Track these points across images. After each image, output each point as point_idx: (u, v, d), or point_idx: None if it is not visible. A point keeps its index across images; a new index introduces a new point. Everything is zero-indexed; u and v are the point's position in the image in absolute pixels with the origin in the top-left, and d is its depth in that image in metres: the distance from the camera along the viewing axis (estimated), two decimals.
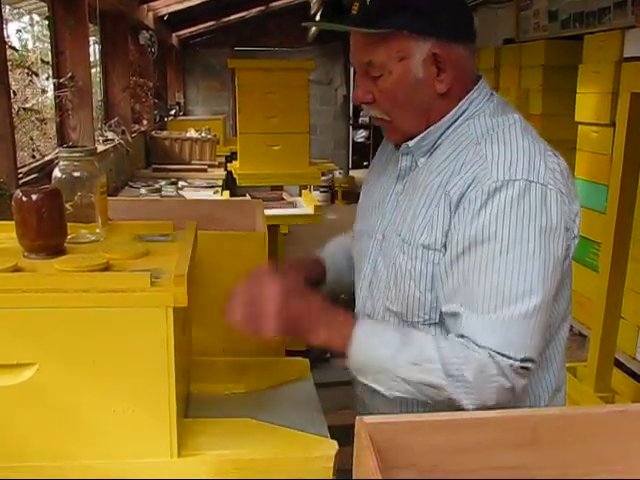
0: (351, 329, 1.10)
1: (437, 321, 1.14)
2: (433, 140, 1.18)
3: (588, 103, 3.84)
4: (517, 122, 1.14)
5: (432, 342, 1.07)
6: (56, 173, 1.23)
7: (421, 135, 1.18)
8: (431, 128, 1.17)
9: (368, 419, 0.73)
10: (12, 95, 2.71)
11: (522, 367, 1.04)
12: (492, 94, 1.20)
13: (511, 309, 1.03)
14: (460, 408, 1.05)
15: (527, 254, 1.03)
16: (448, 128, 1.17)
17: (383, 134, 1.28)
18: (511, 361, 1.03)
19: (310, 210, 3.74)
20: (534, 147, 1.09)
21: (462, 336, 1.06)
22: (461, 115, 1.17)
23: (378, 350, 1.09)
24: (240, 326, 1.12)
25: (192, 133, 5.41)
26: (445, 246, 1.10)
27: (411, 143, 1.19)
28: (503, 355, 1.03)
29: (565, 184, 1.10)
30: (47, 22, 3.40)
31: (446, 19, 1.11)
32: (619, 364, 3.22)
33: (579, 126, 3.96)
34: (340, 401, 1.37)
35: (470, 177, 1.08)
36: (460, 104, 1.17)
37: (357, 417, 0.74)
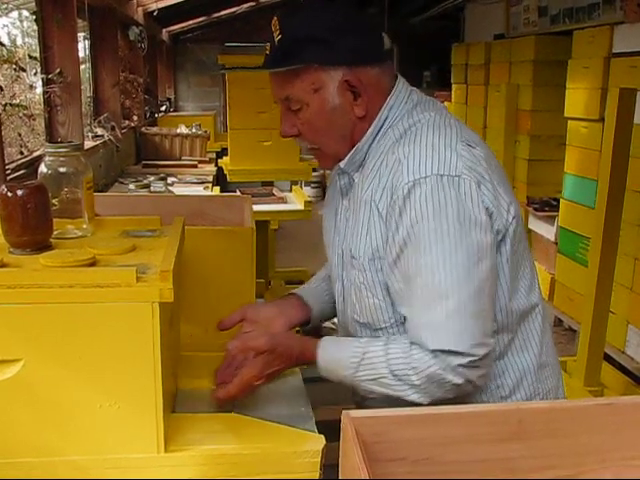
0: (314, 349, 1.17)
1: (403, 320, 1.16)
2: (362, 155, 1.21)
3: (578, 98, 3.85)
4: (432, 119, 1.16)
5: (383, 357, 1.11)
6: (42, 169, 1.22)
7: (350, 154, 1.22)
8: (358, 145, 1.21)
9: (354, 413, 0.73)
10: None
11: (472, 360, 1.06)
12: (411, 93, 1.22)
13: (444, 305, 1.06)
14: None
15: (449, 248, 1.06)
16: (373, 140, 1.20)
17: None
18: (460, 358, 1.06)
19: (300, 206, 3.74)
20: (444, 140, 1.11)
21: (413, 343, 1.09)
22: (383, 124, 1.20)
23: (339, 372, 1.15)
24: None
25: (183, 129, 5.38)
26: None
27: (342, 164, 1.23)
28: (451, 353, 1.05)
29: (486, 170, 1.11)
30: (34, 17, 3.37)
31: (352, 46, 1.15)
32: (608, 358, 3.23)
33: (569, 121, 3.96)
34: (328, 396, 1.37)
35: (390, 184, 1.12)
36: (380, 114, 1.19)
37: (343, 411, 0.74)
